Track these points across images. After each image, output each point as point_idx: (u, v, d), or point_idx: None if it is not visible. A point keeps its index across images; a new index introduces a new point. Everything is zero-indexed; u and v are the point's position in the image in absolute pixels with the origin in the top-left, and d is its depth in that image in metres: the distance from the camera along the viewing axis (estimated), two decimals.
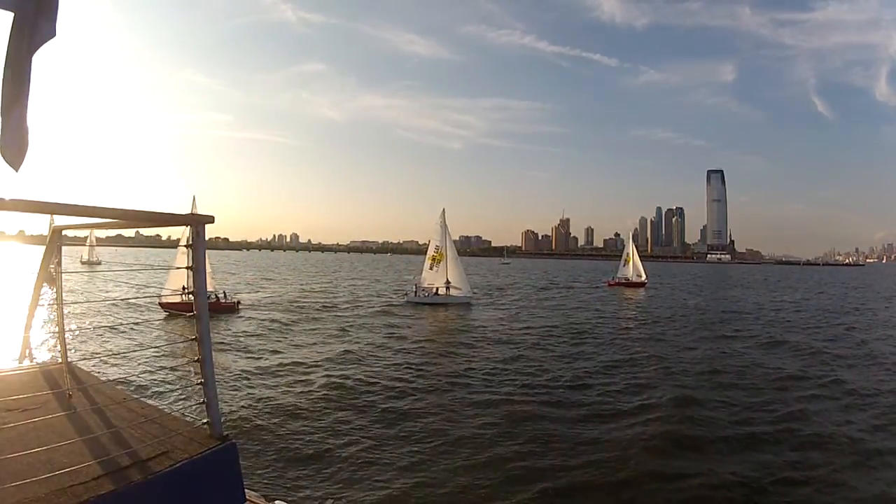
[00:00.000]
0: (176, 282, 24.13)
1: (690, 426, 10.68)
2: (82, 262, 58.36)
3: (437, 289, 34.63)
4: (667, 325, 27.27)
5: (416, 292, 34.71)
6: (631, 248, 56.03)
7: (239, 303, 28.99)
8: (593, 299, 42.82)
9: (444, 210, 35.96)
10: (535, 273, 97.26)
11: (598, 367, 16.34)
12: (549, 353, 18.64)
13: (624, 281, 55.56)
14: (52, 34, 2.05)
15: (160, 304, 25.44)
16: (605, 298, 43.74)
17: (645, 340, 21.82)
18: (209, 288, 23.92)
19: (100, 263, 57.22)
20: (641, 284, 54.87)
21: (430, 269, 35.40)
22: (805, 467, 8.76)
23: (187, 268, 2.46)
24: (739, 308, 37.59)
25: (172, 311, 22.38)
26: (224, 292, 28.59)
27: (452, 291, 34.55)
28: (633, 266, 55.72)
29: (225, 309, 26.72)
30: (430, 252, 35.74)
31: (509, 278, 73.18)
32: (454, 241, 36.67)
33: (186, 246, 2.47)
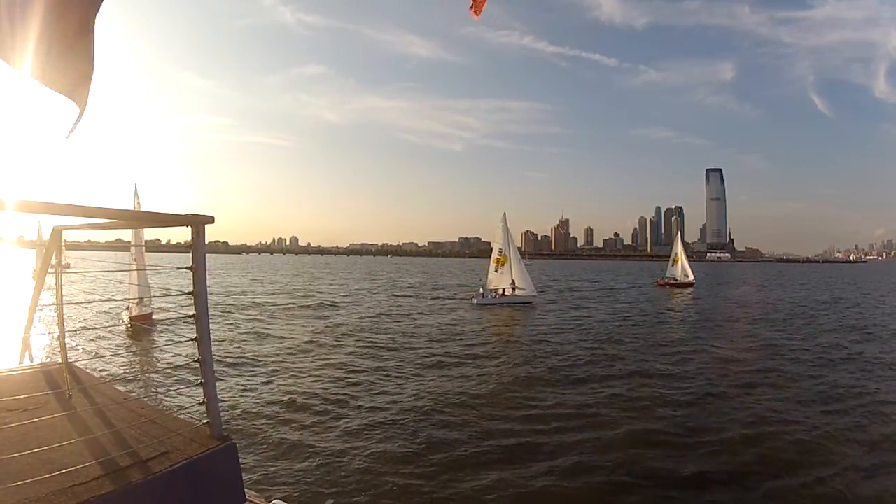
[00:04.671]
0: (133, 291, 20.30)
1: None
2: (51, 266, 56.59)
3: (504, 290, 35.36)
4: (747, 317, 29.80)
5: (483, 294, 35.31)
6: (679, 249, 57.51)
7: (152, 314, 23.10)
8: (650, 298, 43.55)
9: (504, 214, 37.25)
10: (555, 274, 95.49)
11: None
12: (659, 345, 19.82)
13: (672, 281, 56.52)
14: None
15: (130, 317, 20.88)
16: (661, 298, 44.08)
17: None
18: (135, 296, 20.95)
19: (69, 266, 56.15)
20: (689, 284, 55.67)
21: (495, 271, 36.36)
22: None
23: (188, 268, 2.45)
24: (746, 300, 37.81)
25: (139, 323, 19.88)
26: (140, 299, 21.52)
27: (518, 292, 35.22)
28: (681, 266, 56.86)
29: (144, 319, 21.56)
30: (494, 255, 36.85)
31: (541, 279, 70.70)
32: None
33: (188, 247, 2.44)
